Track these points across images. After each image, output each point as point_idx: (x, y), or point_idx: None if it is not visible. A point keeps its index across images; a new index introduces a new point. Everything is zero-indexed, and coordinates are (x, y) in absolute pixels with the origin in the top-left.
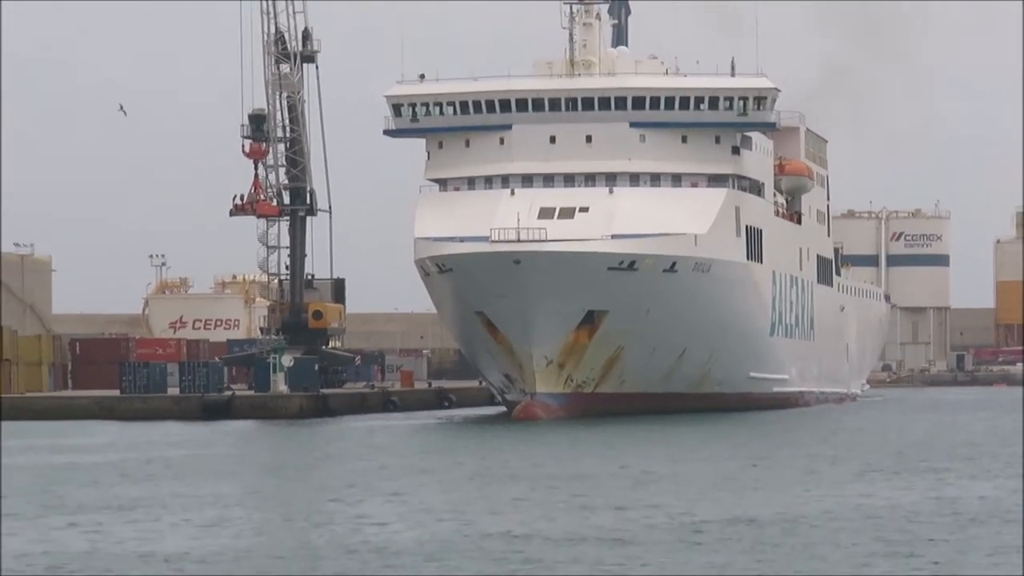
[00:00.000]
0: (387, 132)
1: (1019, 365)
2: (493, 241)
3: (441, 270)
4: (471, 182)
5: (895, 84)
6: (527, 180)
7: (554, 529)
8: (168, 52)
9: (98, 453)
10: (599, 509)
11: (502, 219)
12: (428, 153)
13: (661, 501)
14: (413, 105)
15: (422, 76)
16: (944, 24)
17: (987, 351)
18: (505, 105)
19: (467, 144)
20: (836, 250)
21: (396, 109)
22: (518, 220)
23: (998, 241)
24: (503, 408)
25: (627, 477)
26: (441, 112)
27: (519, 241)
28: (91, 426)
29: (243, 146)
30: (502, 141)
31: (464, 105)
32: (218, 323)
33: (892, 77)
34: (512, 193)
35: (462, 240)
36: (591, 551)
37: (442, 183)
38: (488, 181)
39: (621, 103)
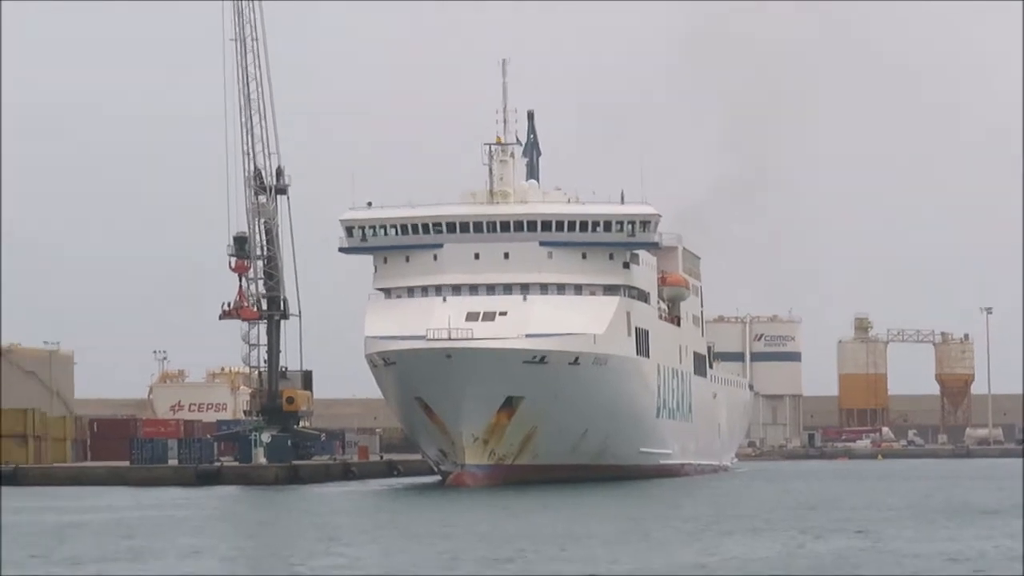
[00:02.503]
0: (341, 249)
1: (859, 441)
2: (429, 339)
3: (386, 363)
4: (411, 291)
5: (766, 206)
6: (456, 289)
7: None
8: (165, 180)
9: (114, 512)
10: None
11: (436, 321)
12: (375, 267)
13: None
14: (363, 227)
15: (370, 203)
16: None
17: (832, 431)
18: (438, 227)
19: (407, 259)
20: (709, 348)
21: (348, 231)
22: (449, 322)
23: (840, 341)
24: (439, 477)
25: (539, 536)
26: (385, 233)
27: (450, 339)
28: (106, 491)
29: (229, 262)
30: (435, 257)
31: (404, 227)
32: (209, 406)
33: (765, 200)
34: (444, 300)
35: (403, 338)
36: None
37: (387, 291)
38: (424, 290)
39: (532, 226)
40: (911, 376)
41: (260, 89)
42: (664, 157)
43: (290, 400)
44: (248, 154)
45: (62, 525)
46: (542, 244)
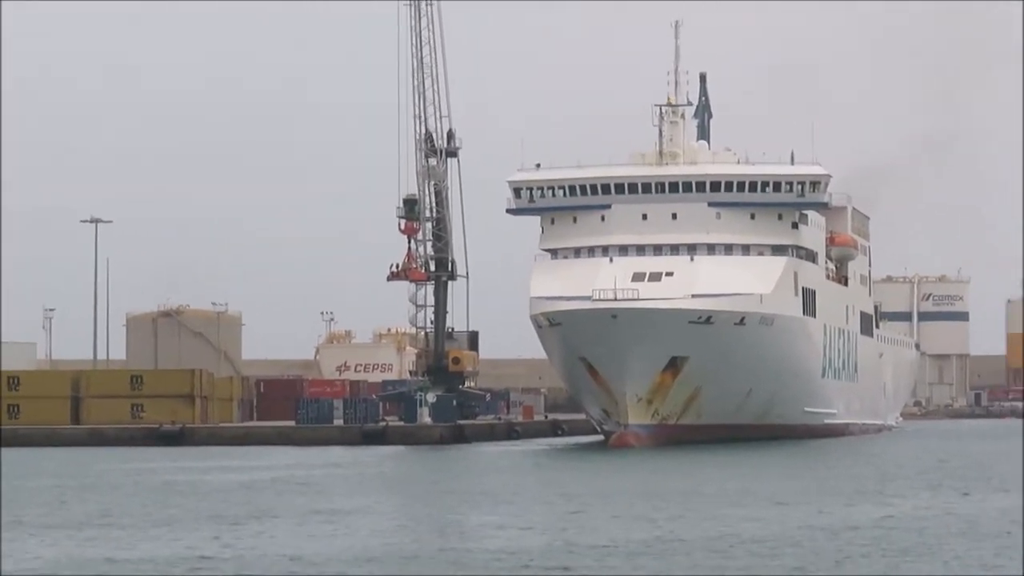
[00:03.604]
0: (509, 211)
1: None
2: (595, 300)
3: (551, 323)
4: (577, 251)
5: (936, 171)
6: (623, 250)
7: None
8: (334, 143)
9: (284, 470)
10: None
11: (602, 282)
12: (543, 228)
13: (718, 513)
14: (531, 188)
15: (538, 165)
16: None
17: (999, 390)
18: (606, 188)
19: (574, 220)
20: (876, 307)
21: (516, 192)
22: (615, 282)
23: (1008, 301)
24: (602, 436)
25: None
26: (553, 194)
27: (616, 300)
28: (272, 450)
29: (399, 224)
30: (603, 218)
31: (572, 188)
32: (375, 367)
33: (935, 165)
34: (611, 260)
35: (569, 299)
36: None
37: (554, 252)
38: (591, 251)
39: (701, 186)
40: None
41: (433, 53)
42: (842, 118)
43: (456, 360)
44: (419, 117)
45: (231, 484)
46: (710, 205)
